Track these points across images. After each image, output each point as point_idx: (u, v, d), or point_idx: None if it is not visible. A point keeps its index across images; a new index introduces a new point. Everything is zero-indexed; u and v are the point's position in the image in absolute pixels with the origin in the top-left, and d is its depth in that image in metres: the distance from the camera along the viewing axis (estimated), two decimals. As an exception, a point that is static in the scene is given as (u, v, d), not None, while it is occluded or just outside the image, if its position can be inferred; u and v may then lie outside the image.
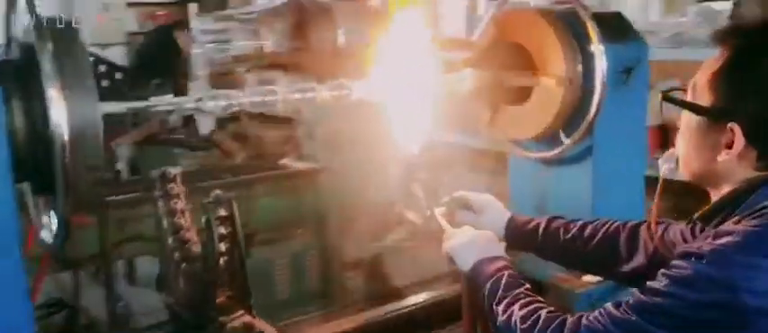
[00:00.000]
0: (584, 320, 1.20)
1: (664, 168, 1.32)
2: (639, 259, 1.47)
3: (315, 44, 3.90)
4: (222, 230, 1.65)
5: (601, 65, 1.78)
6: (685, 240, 1.36)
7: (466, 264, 1.46)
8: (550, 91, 1.84)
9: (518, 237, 1.65)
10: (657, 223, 1.43)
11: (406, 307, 2.03)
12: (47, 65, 1.07)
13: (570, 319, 1.21)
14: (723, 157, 1.19)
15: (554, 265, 1.79)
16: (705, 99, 1.21)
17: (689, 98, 1.25)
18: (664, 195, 1.52)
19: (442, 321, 1.97)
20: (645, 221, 1.50)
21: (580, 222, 1.59)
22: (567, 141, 1.86)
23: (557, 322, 1.22)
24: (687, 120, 1.26)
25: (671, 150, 1.33)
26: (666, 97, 1.28)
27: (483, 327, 1.62)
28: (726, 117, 1.17)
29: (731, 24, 2.75)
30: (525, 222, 1.65)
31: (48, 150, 1.11)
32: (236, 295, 1.70)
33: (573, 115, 1.88)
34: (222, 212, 1.66)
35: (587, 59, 1.83)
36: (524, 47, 1.92)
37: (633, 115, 1.99)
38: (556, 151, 1.91)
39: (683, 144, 1.28)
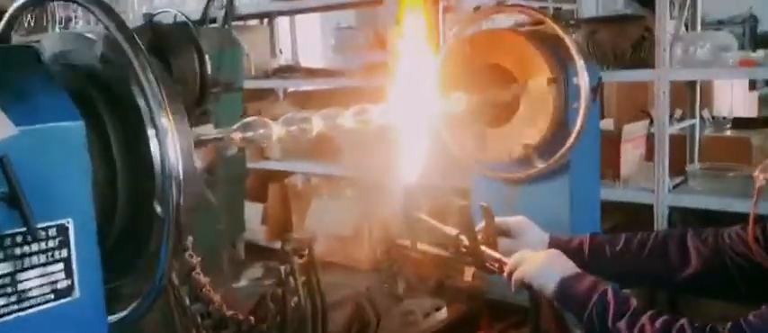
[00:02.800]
0: (744, 326, 1.17)
1: (761, 178, 1.33)
2: (695, 266, 1.48)
3: (177, 74, 3.53)
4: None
5: (584, 78, 1.78)
6: (745, 243, 1.40)
7: (549, 286, 1.36)
8: (539, 97, 1.80)
9: None
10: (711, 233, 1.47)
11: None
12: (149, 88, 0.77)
13: (728, 326, 1.18)
14: None
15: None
16: None
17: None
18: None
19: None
20: (688, 230, 1.53)
21: (623, 236, 1.57)
22: (546, 160, 1.83)
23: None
24: None
25: (766, 162, 1.35)
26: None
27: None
28: None
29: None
30: (568, 241, 1.59)
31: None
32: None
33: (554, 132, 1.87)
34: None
35: (566, 76, 1.83)
36: (501, 65, 1.87)
37: (595, 133, 2.04)
38: (540, 166, 1.88)
39: None
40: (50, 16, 6.48)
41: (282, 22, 6.29)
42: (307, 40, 6.65)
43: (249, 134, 1.35)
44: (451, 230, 1.52)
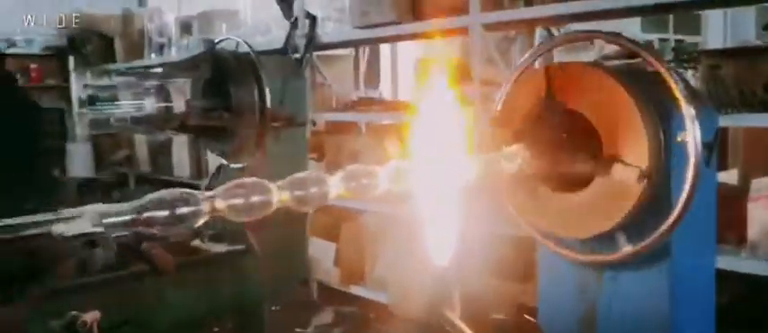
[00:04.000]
0: None
1: None
2: None
3: (236, 105, 3.28)
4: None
5: (694, 134, 1.29)
6: None
7: None
8: (622, 185, 1.34)
9: None
10: None
11: None
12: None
13: None
14: None
15: None
16: None
17: None
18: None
19: None
20: None
21: None
22: (636, 240, 1.35)
23: None
24: None
25: None
26: None
27: None
28: None
29: None
30: None
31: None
32: None
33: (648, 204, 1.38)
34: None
35: (668, 137, 1.35)
36: (584, 116, 1.41)
37: (708, 201, 1.53)
38: (626, 249, 1.40)
39: None
40: (147, 43, 6.58)
41: (384, 52, 6.05)
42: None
43: (298, 193, 0.99)
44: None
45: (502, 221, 2.39)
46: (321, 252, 4.65)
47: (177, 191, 0.87)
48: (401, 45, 5.78)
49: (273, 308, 4.13)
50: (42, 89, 7.63)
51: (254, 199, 0.94)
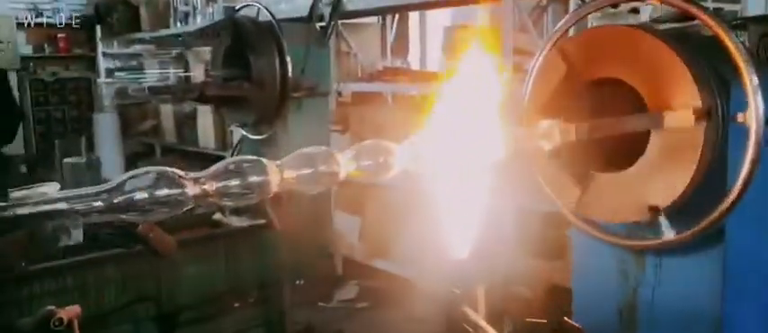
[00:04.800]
0: None
1: None
2: None
3: (256, 74, 3.16)
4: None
5: (758, 106, 1.14)
6: None
7: None
8: (680, 137, 1.18)
9: None
10: None
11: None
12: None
13: None
14: None
15: None
16: None
17: None
18: None
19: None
20: None
21: None
22: (683, 226, 1.20)
23: None
24: None
25: None
26: None
27: None
28: None
29: None
30: None
31: None
32: None
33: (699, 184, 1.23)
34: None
35: (724, 109, 1.19)
36: (624, 82, 1.26)
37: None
38: (669, 236, 1.25)
39: None
40: (173, 12, 6.49)
41: (414, 20, 5.87)
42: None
43: (306, 172, 0.87)
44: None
45: (532, 197, 2.25)
46: (346, 226, 4.56)
47: (163, 169, 0.76)
48: (430, 14, 5.59)
49: (297, 282, 4.06)
50: (69, 59, 7.62)
51: (253, 179, 0.82)
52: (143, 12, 6.73)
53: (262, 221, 3.20)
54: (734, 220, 1.24)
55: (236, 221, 3.28)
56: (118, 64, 7.12)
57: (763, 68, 1.23)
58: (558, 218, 2.40)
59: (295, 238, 3.29)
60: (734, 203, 1.17)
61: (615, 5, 2.61)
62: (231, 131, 5.52)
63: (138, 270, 2.66)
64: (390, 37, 5.34)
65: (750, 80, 1.14)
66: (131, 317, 2.62)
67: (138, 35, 6.74)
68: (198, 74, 2.93)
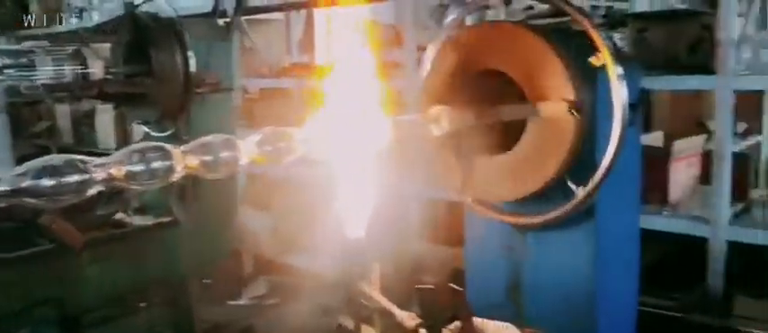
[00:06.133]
0: None
1: None
2: None
3: (157, 70, 3.12)
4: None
5: (620, 94, 1.28)
6: None
7: None
8: (553, 125, 1.31)
9: None
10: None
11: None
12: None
13: None
14: None
15: None
16: None
17: None
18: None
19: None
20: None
21: None
22: (579, 192, 1.33)
23: None
24: None
25: None
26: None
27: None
28: None
29: None
30: None
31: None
32: None
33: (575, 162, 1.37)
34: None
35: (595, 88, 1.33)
36: (505, 74, 1.38)
37: (632, 161, 1.53)
38: (559, 211, 1.38)
39: None
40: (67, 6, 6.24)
41: (320, 19, 5.90)
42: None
43: (208, 158, 0.90)
44: (409, 319, 1.04)
45: (434, 186, 2.36)
46: (254, 222, 4.55)
47: (65, 156, 0.79)
48: (341, 11, 5.64)
49: (205, 281, 4.03)
50: (-48, 56, 7.14)
51: (156, 165, 0.86)
52: (34, 6, 6.42)
53: (166, 219, 3.17)
54: (602, 197, 1.38)
55: (140, 220, 3.23)
56: (6, 61, 6.74)
57: (623, 60, 1.38)
58: (459, 205, 2.54)
59: (201, 236, 3.27)
60: (603, 178, 1.31)
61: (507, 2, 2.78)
62: (132, 130, 5.37)
63: (39, 272, 2.59)
64: (296, 33, 5.37)
65: (614, 71, 1.29)
66: (32, 320, 2.54)
67: (28, 32, 6.41)
68: (97, 71, 2.84)
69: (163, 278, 3.11)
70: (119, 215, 3.25)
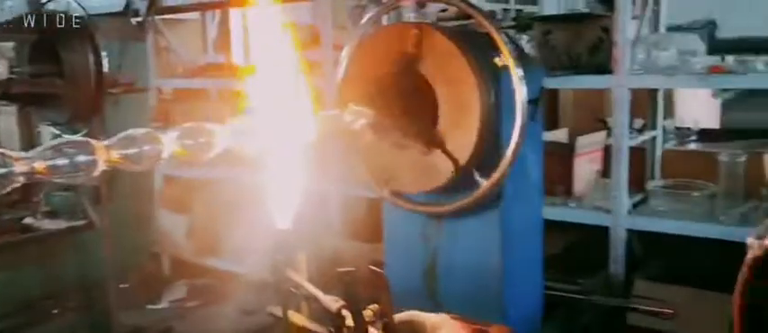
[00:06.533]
0: None
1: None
2: None
3: (67, 70, 3.04)
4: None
5: (520, 90, 1.39)
6: None
7: None
8: (461, 114, 1.40)
9: None
10: None
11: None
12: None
13: None
14: None
15: None
16: None
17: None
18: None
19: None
20: None
21: None
22: (483, 182, 1.43)
23: None
24: None
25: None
26: None
27: None
28: None
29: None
30: None
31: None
32: None
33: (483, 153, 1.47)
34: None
35: (499, 95, 1.44)
36: (415, 71, 1.46)
37: (535, 153, 1.65)
38: (468, 199, 1.48)
39: None
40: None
41: (236, 18, 5.85)
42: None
43: (131, 151, 0.91)
44: (333, 302, 1.09)
45: (356, 184, 2.43)
46: (172, 225, 4.47)
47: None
48: (257, 11, 5.61)
49: (122, 285, 3.94)
50: None
51: (80, 159, 0.88)
52: (-74, 3, 6.04)
53: (81, 222, 3.09)
54: (508, 185, 1.49)
55: (50, 224, 3.13)
56: None
57: (526, 61, 1.49)
58: (379, 203, 2.61)
59: (118, 239, 3.21)
60: (506, 168, 1.41)
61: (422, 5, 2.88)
62: (39, 132, 5.15)
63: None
64: (212, 33, 5.31)
65: (515, 70, 1.39)
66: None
67: None
68: (0, 70, 2.73)
69: (78, 283, 3.04)
70: (28, 220, 3.15)
